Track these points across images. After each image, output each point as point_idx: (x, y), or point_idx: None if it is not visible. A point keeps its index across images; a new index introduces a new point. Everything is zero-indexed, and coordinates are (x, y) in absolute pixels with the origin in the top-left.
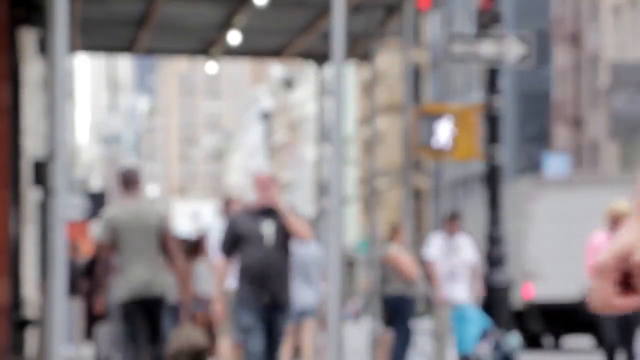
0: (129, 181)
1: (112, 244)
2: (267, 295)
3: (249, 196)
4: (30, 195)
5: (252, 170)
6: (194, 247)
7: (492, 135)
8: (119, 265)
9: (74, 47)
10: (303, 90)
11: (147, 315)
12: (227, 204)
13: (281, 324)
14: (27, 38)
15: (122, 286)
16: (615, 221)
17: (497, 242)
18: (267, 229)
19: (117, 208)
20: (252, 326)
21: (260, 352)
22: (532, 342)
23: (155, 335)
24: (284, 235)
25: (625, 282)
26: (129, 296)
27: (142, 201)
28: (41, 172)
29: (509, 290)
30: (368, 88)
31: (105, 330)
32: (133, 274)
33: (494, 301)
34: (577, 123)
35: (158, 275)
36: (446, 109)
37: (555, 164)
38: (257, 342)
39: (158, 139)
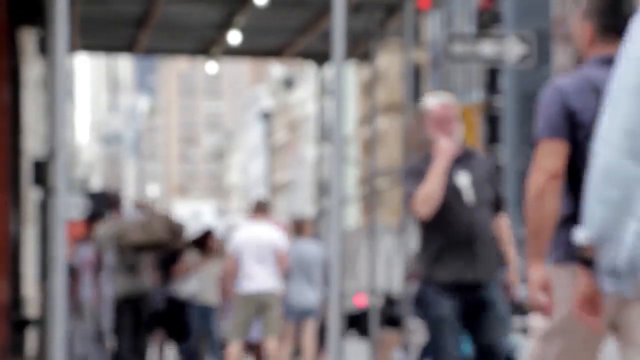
0: (114, 203)
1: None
2: (472, 272)
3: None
4: (30, 195)
5: (426, 104)
6: (201, 243)
7: (492, 135)
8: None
9: (74, 47)
10: (303, 90)
11: (131, 314)
12: (258, 209)
13: (495, 305)
14: (27, 38)
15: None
16: None
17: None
18: (464, 181)
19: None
20: (447, 317)
21: (457, 350)
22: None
23: (138, 330)
24: (485, 187)
25: None
26: (119, 298)
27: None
28: (41, 172)
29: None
30: (368, 88)
31: (80, 330)
32: (121, 281)
33: None
34: None
35: (139, 282)
36: None
37: None
38: (453, 339)
39: (158, 138)
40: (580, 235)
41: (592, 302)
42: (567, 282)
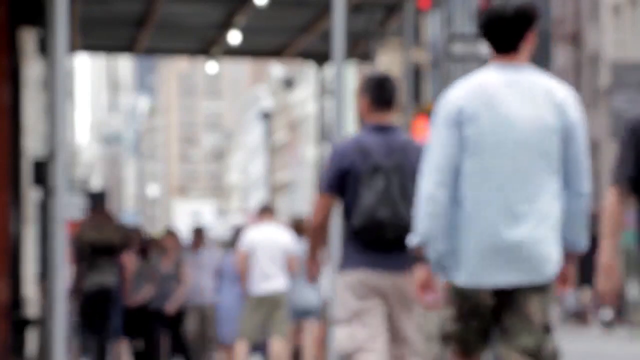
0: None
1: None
2: None
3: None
4: (30, 195)
5: None
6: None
7: None
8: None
9: (74, 47)
10: (303, 90)
11: (99, 307)
12: (265, 211)
13: None
14: (27, 38)
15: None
16: None
17: None
18: None
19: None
20: None
21: None
22: None
23: (103, 323)
24: None
25: None
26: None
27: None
28: (41, 172)
29: None
30: None
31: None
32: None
33: None
34: None
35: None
36: None
37: None
38: None
39: (158, 138)
40: (413, 240)
41: (426, 285)
42: (347, 285)
